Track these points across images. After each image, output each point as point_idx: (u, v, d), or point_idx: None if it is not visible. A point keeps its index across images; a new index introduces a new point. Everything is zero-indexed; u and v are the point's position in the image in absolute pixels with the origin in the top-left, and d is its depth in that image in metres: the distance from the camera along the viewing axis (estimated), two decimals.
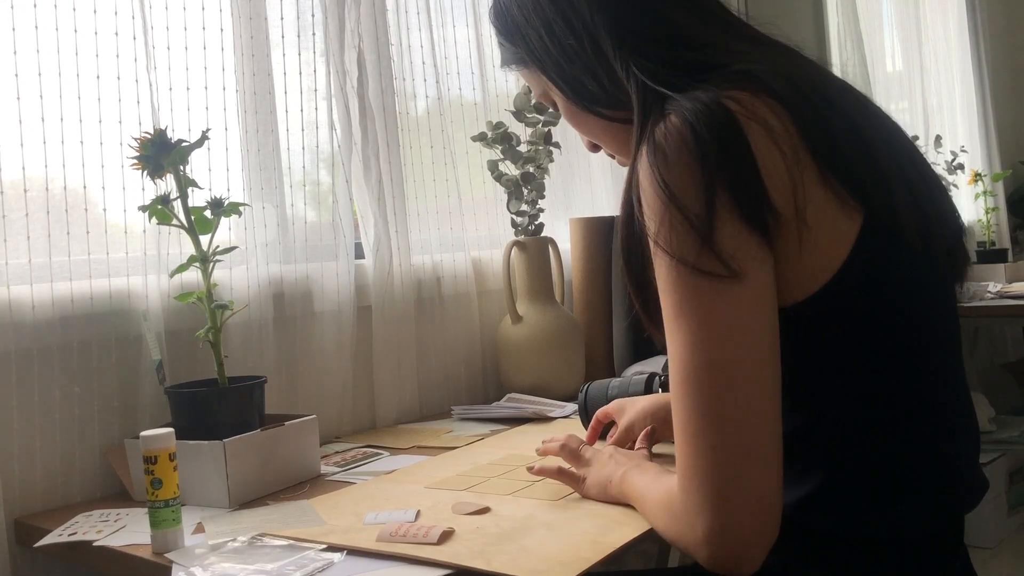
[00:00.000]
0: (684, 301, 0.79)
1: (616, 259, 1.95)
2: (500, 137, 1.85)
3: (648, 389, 1.40)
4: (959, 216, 0.95)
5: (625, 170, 0.95)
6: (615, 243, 1.92)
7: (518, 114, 1.87)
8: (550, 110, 1.85)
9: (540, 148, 1.88)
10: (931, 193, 0.91)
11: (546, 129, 1.89)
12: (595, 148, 1.11)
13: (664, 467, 1.00)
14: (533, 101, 1.86)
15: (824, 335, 0.82)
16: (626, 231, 0.90)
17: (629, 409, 1.28)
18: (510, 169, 1.89)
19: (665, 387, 1.37)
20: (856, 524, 0.83)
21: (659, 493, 0.90)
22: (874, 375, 0.83)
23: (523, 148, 1.88)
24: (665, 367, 1.40)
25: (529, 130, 1.89)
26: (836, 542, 0.84)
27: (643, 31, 0.93)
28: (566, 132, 2.13)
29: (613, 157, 1.10)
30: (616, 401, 1.33)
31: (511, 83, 2.12)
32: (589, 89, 0.98)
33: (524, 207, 1.89)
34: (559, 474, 1.14)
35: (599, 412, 1.33)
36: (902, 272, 0.84)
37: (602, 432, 1.34)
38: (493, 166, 1.89)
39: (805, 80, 0.87)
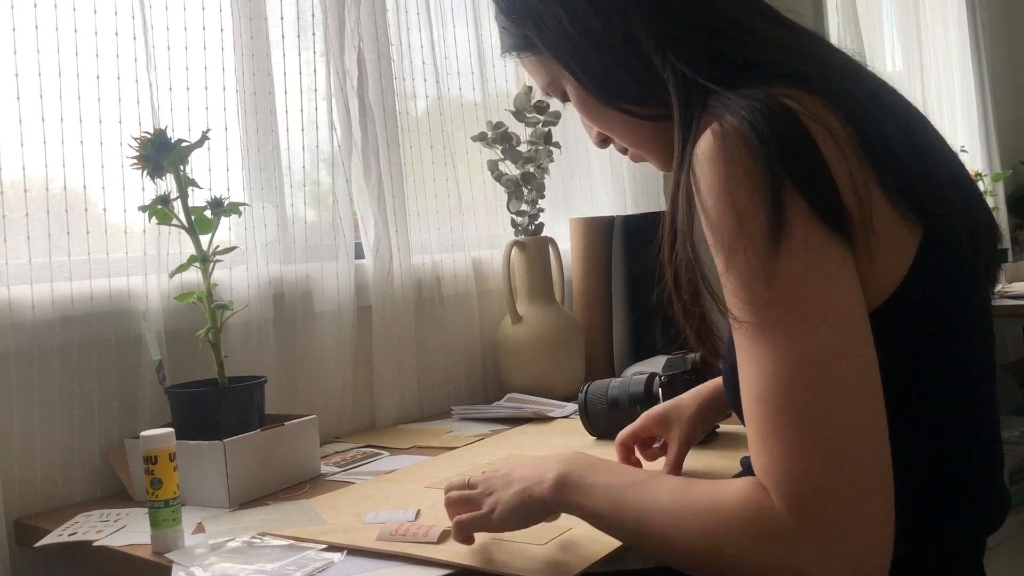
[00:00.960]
0: (764, 317, 0.70)
1: (617, 269, 1.94)
2: (500, 137, 1.85)
3: (648, 390, 1.40)
4: (995, 221, 0.90)
5: (628, 165, 0.88)
6: (628, 251, 1.92)
7: (518, 114, 1.87)
8: (550, 109, 1.85)
9: (540, 148, 1.88)
10: (977, 199, 0.87)
11: (546, 129, 1.89)
12: (605, 143, 1.00)
13: (606, 463, 0.84)
14: (533, 101, 1.86)
15: (880, 354, 0.72)
16: (671, 250, 0.81)
17: (677, 417, 1.10)
18: (510, 169, 1.89)
19: (666, 388, 1.37)
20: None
21: (727, 503, 0.71)
22: (922, 394, 0.78)
23: (523, 148, 1.88)
24: (666, 366, 1.40)
25: (529, 130, 1.89)
26: None
27: (681, 16, 0.84)
28: (566, 132, 2.13)
29: (625, 152, 1.00)
30: (652, 412, 1.14)
31: (511, 83, 2.12)
32: (616, 80, 0.87)
33: (524, 207, 1.89)
34: (455, 521, 0.93)
35: (625, 434, 1.13)
36: (956, 288, 0.80)
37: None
38: (493, 166, 1.89)
39: (857, 82, 0.81)
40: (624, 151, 1.00)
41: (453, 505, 0.94)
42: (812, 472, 0.67)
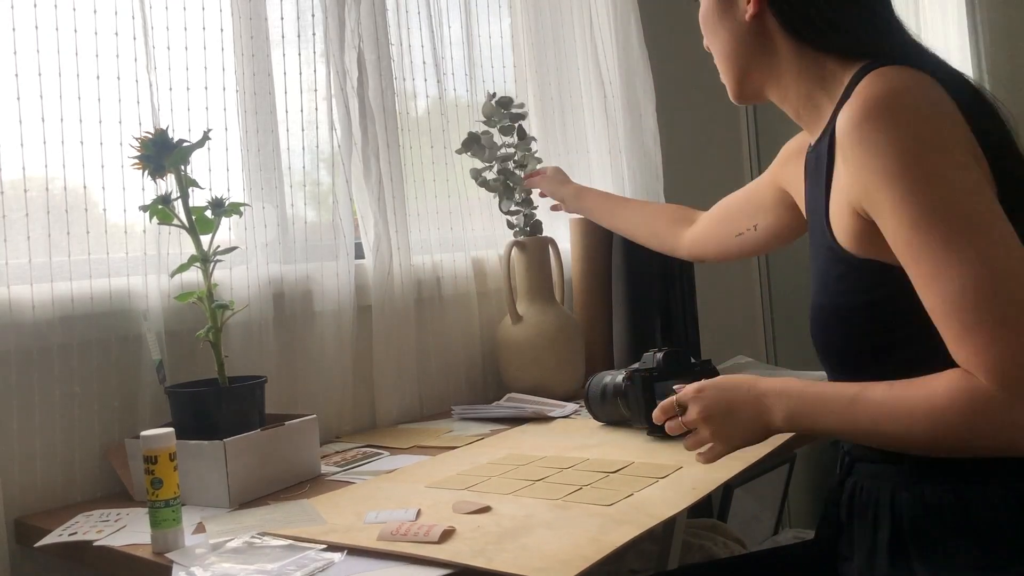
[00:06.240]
0: (949, 236, 0.85)
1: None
2: (468, 142, 1.83)
3: (623, 383, 1.43)
4: None
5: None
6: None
7: (488, 121, 1.85)
8: (520, 103, 1.84)
9: (517, 144, 1.87)
10: None
11: (516, 124, 1.86)
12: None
13: (816, 388, 0.98)
14: (495, 100, 1.85)
15: None
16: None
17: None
18: (494, 173, 1.87)
19: (628, 384, 1.40)
20: None
21: (941, 396, 0.86)
22: None
23: (498, 151, 1.86)
24: (640, 362, 1.41)
25: (506, 138, 1.87)
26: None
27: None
28: (567, 132, 2.13)
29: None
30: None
31: (510, 83, 2.12)
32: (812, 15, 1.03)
33: (515, 207, 1.88)
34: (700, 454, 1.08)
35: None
36: None
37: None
38: (476, 174, 1.87)
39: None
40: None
41: (690, 447, 1.08)
42: (1016, 351, 0.81)
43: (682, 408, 1.06)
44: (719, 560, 1.48)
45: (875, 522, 1.00)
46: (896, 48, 1.00)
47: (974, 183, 0.87)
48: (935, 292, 0.86)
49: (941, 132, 0.88)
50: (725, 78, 1.14)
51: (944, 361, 0.87)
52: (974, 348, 0.83)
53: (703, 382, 1.06)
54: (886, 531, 0.98)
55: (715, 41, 1.12)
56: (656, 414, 1.09)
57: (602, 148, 2.19)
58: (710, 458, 1.06)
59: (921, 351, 0.91)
